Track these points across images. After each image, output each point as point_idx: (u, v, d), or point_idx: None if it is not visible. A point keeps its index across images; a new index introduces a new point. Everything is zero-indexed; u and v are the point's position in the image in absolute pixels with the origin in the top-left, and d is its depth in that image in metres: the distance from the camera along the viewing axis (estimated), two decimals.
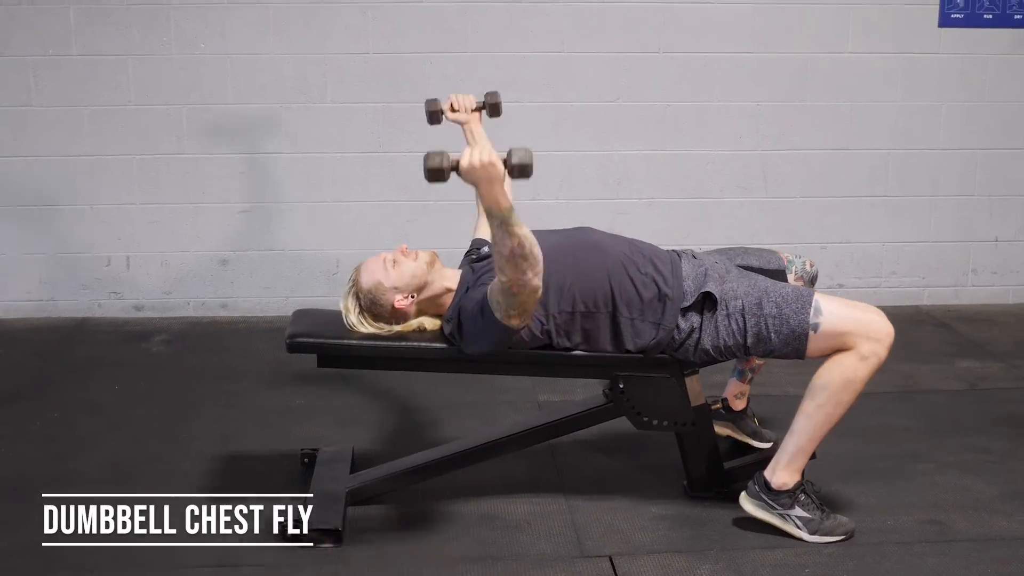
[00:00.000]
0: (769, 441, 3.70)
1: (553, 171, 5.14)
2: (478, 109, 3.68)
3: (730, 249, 3.40)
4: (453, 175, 2.74)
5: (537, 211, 5.11)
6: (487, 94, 3.62)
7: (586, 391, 4.17)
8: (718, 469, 3.33)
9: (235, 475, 3.47)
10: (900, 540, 3.08)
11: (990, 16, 5.12)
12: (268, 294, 5.16)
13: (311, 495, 3.17)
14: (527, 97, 5.07)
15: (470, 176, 2.72)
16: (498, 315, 2.90)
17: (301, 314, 3.32)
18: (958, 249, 5.37)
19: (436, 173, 2.70)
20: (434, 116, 3.62)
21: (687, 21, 5.06)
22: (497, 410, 4.04)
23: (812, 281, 3.45)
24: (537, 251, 2.80)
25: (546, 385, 4.22)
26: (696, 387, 3.26)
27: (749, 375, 3.61)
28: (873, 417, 3.93)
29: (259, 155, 5.04)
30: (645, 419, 3.23)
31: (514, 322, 2.92)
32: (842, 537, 3.06)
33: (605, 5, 5.02)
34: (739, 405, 3.64)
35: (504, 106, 5.00)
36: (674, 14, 5.05)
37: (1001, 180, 5.31)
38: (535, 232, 3.25)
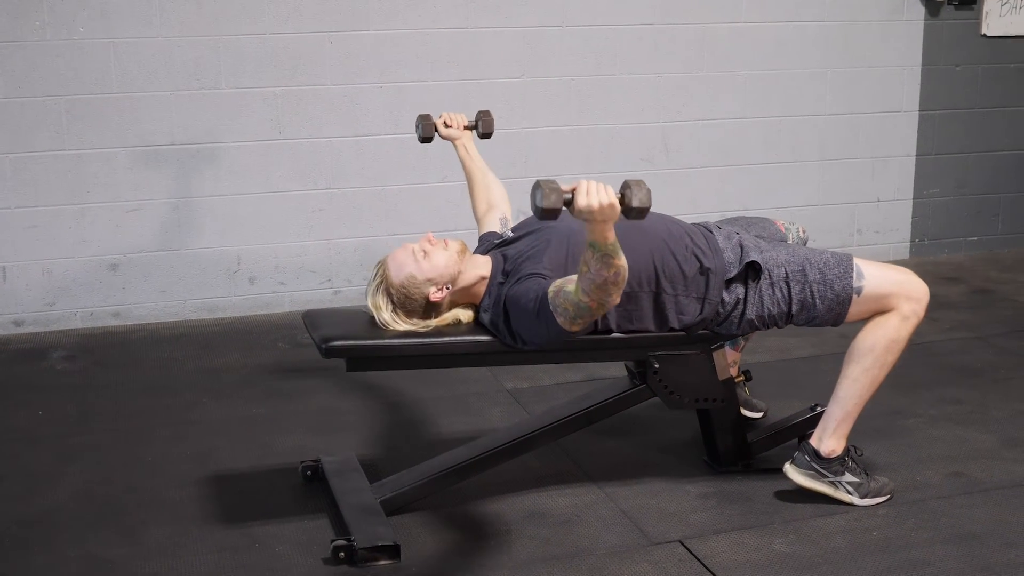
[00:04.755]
0: (760, 411, 3.71)
1: None
2: (470, 127, 3.55)
3: (736, 219, 3.37)
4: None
5: (445, 194, 4.97)
6: (479, 113, 3.52)
7: (550, 376, 4.07)
8: (743, 443, 3.30)
9: (236, 498, 3.16)
10: (938, 495, 3.13)
11: None
12: (164, 298, 4.75)
13: (345, 512, 2.93)
14: (432, 75, 4.88)
15: (585, 217, 2.46)
16: (561, 320, 2.67)
17: (317, 316, 3.03)
18: (844, 211, 5.57)
19: (551, 214, 2.42)
20: (427, 130, 3.50)
21: None
22: (472, 402, 3.86)
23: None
24: (627, 273, 2.60)
25: (508, 373, 4.07)
26: (723, 361, 3.22)
27: (741, 343, 3.58)
28: (835, 379, 4.00)
29: (148, 148, 4.61)
30: (677, 397, 3.15)
31: (576, 328, 2.70)
32: (887, 497, 3.09)
33: None
34: (732, 373, 3.61)
35: (408, 86, 4.85)
36: None
37: (881, 143, 5.53)
38: None
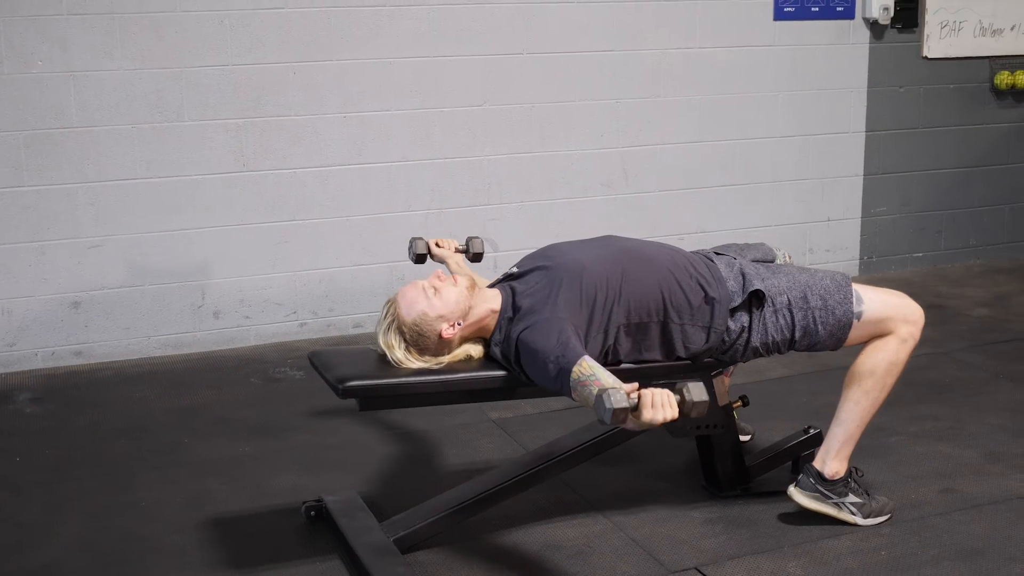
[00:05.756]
0: (748, 434, 3.76)
1: (424, 181, 4.96)
2: (461, 251, 3.57)
3: (729, 246, 3.41)
4: None
5: (409, 223, 4.95)
6: (468, 239, 3.55)
7: (533, 405, 4.07)
8: (742, 467, 3.34)
9: (241, 542, 3.10)
10: (936, 512, 3.21)
11: (817, 9, 5.44)
12: (128, 335, 4.65)
13: (360, 552, 2.89)
14: (395, 105, 4.86)
15: (646, 426, 2.47)
16: (575, 397, 2.66)
17: (326, 356, 2.98)
18: (797, 231, 5.68)
19: (620, 421, 2.41)
20: (420, 248, 3.52)
21: (549, 22, 5.03)
22: (460, 434, 3.84)
23: None
24: None
25: (492, 403, 4.03)
26: (722, 387, 3.26)
27: (731, 368, 3.62)
28: (814, 398, 4.08)
29: (110, 182, 4.52)
30: (680, 425, 3.17)
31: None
32: (888, 516, 3.16)
33: (470, 8, 4.89)
34: None
35: (372, 115, 4.83)
36: (537, 15, 5.00)
37: (830, 163, 5.66)
38: (561, 245, 3.15)
